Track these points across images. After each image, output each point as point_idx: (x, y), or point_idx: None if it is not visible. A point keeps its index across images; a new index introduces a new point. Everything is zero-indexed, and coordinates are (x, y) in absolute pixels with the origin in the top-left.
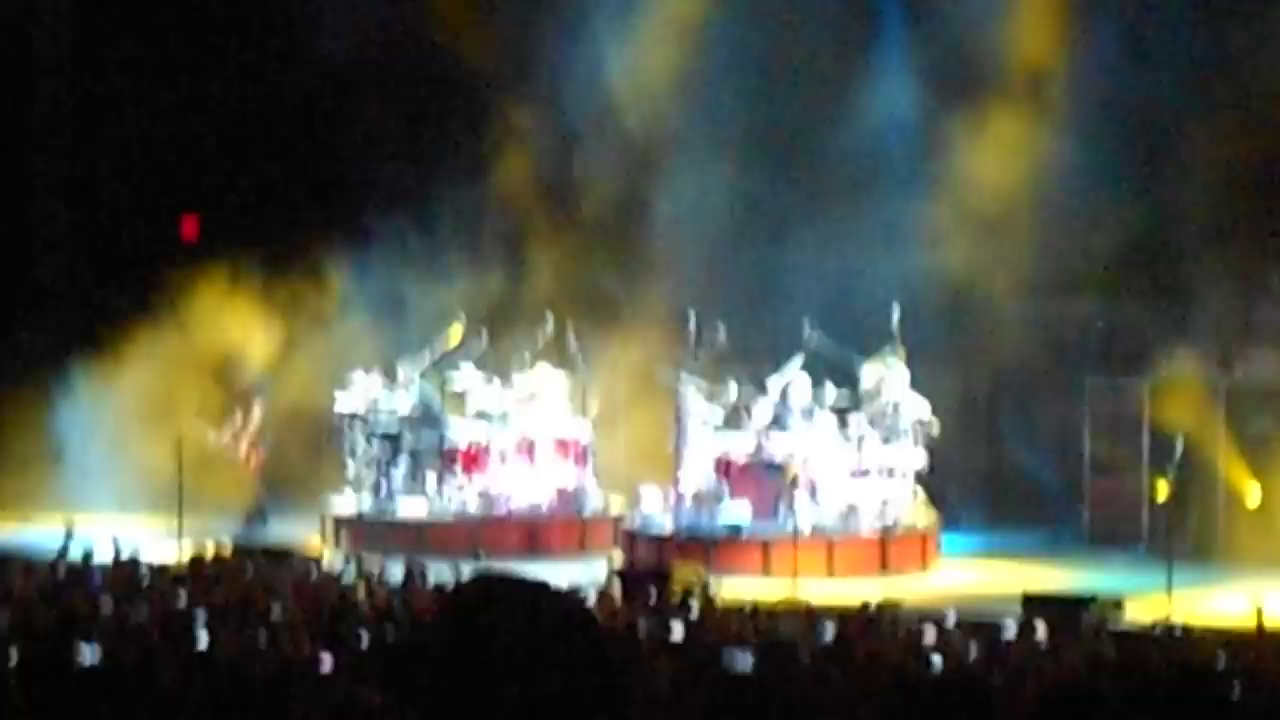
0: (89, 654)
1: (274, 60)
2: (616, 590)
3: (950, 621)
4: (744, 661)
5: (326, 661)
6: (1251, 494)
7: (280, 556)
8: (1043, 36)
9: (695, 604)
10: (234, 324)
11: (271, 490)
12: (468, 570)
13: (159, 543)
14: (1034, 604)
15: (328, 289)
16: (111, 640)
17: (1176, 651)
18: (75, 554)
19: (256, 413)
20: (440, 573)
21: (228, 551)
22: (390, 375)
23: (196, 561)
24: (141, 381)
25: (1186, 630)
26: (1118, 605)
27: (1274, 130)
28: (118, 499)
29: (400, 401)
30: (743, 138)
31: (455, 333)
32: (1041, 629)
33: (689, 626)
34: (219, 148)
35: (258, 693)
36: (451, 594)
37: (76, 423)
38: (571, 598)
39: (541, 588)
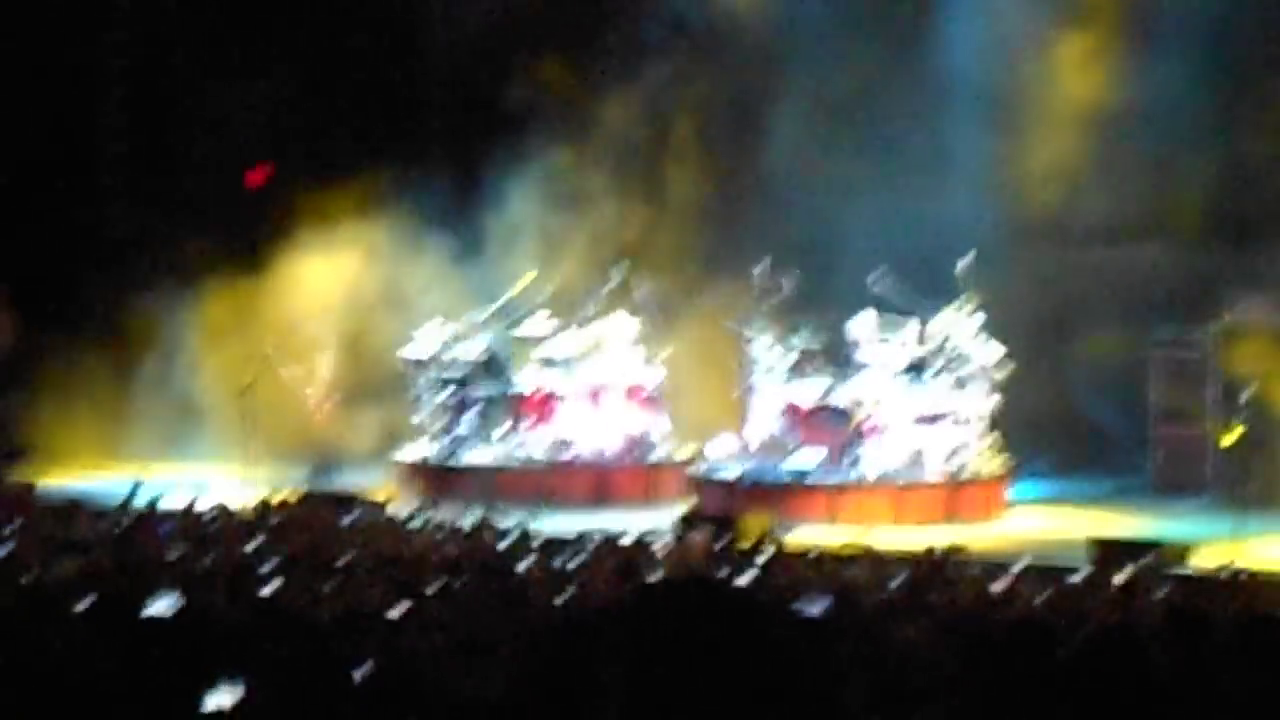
0: (162, 605)
1: None
2: (700, 537)
3: (1018, 567)
4: (818, 606)
5: (396, 609)
6: None
7: (349, 503)
8: None
9: (766, 551)
10: (312, 271)
11: (341, 438)
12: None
13: (228, 490)
14: (1100, 549)
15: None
16: (179, 587)
17: (1242, 596)
18: (142, 501)
19: (329, 359)
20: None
21: (296, 498)
22: (461, 322)
23: (264, 508)
24: (215, 330)
25: (1253, 575)
26: (1184, 551)
27: None
28: (190, 448)
29: (469, 348)
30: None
31: (526, 279)
32: (1109, 574)
33: (758, 573)
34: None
35: (326, 639)
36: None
37: (149, 373)
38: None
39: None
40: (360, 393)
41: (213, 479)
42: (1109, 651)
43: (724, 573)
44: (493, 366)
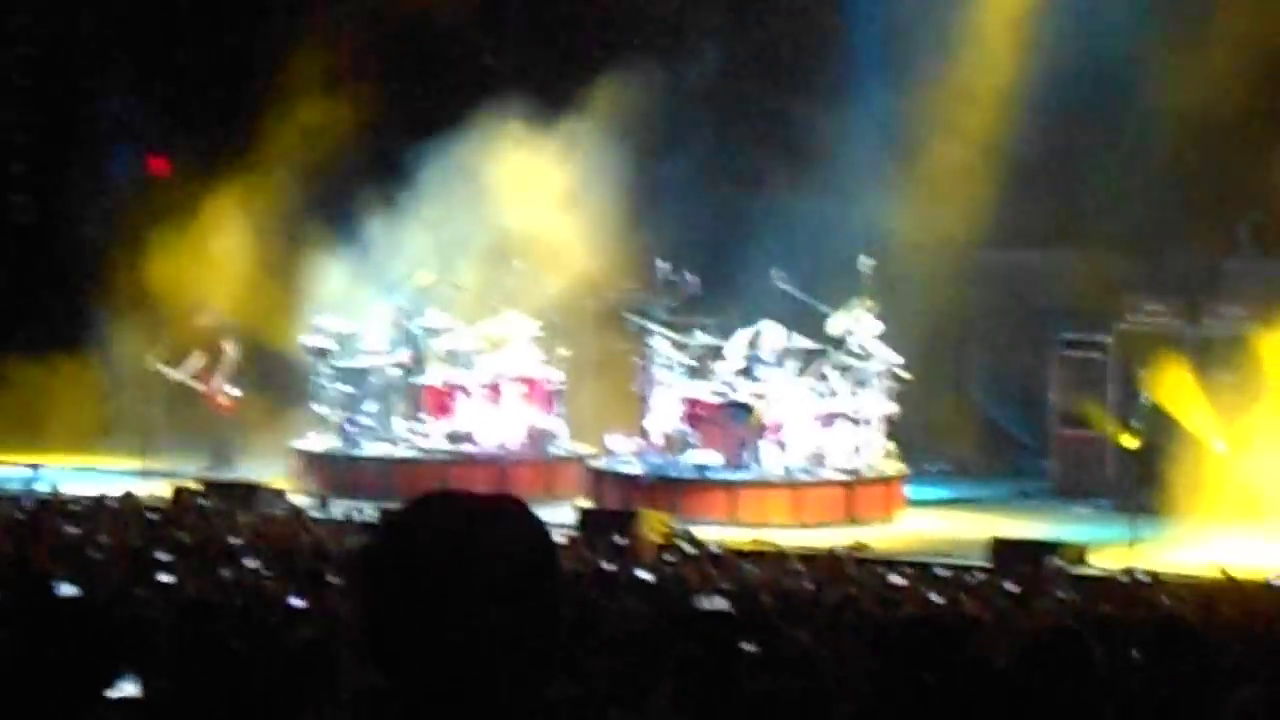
0: (64, 589)
1: None
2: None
3: (918, 566)
4: (716, 602)
5: (296, 600)
6: (1217, 447)
7: (246, 494)
8: None
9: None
10: (198, 260)
11: (239, 427)
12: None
13: (127, 481)
14: (1000, 550)
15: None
16: (77, 576)
17: (1141, 597)
18: (42, 490)
19: (228, 351)
20: None
21: (194, 488)
22: (360, 313)
23: (162, 499)
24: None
25: (1153, 576)
26: (1082, 552)
27: (1241, 77)
28: (86, 439)
29: (370, 339)
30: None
31: (425, 274)
32: (1008, 574)
33: (658, 569)
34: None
35: (229, 628)
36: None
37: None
38: (527, 518)
39: (493, 507)
40: (260, 382)
41: (110, 470)
42: (1013, 651)
43: (619, 566)
44: (393, 357)
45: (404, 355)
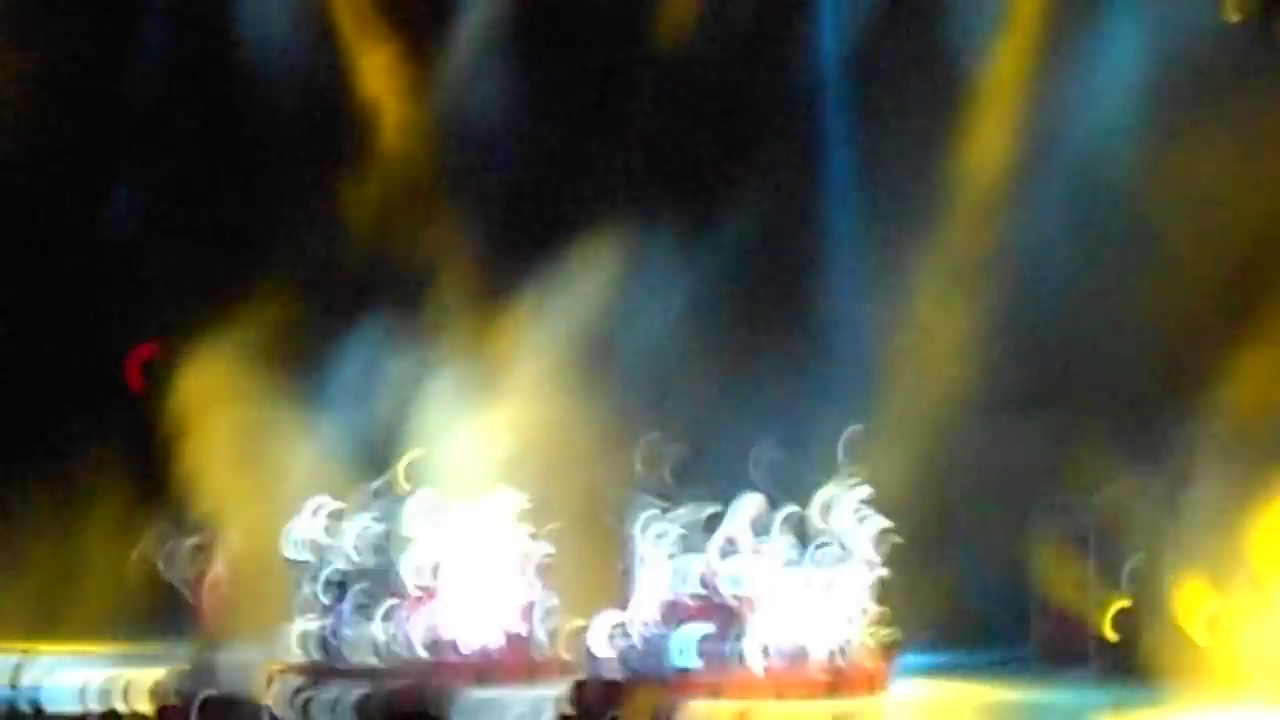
0: None
1: None
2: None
3: None
4: None
5: None
6: (1203, 618)
7: (228, 706)
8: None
9: None
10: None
11: (223, 633)
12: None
13: (105, 673)
14: None
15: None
16: None
17: None
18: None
19: (217, 556)
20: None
21: (174, 700)
22: (337, 514)
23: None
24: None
25: None
26: None
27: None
28: (64, 624)
29: (348, 541)
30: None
31: (405, 465)
32: None
33: None
34: None
35: None
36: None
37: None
38: None
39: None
40: (246, 580)
41: (92, 665)
42: None
43: None
44: (373, 561)
45: (382, 562)
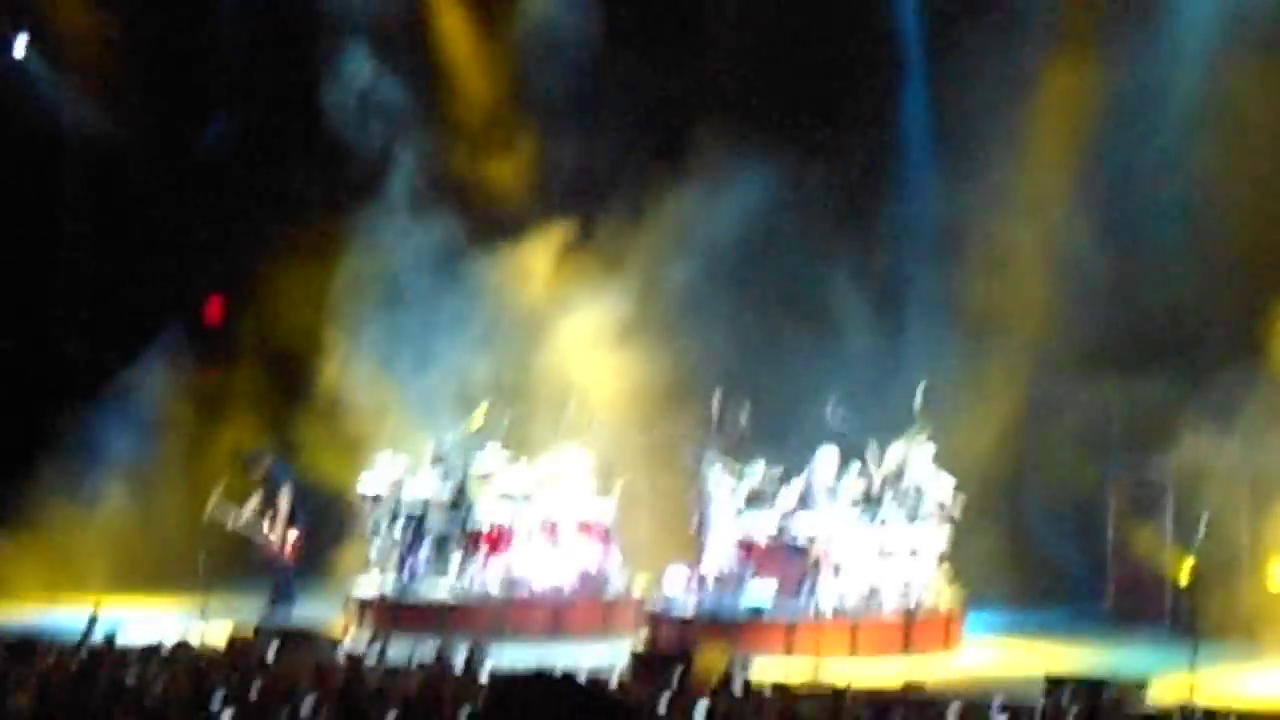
0: None
1: None
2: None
3: (976, 703)
4: None
5: None
6: (1275, 575)
7: (303, 639)
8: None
9: (726, 687)
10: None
11: (296, 572)
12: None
13: (184, 624)
14: (1056, 686)
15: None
16: None
17: None
18: (99, 636)
19: (284, 495)
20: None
21: (250, 634)
22: (415, 456)
23: (219, 644)
24: (169, 465)
25: (1209, 714)
26: (1140, 686)
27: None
28: (145, 579)
29: (424, 483)
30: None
31: (480, 413)
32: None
33: (714, 707)
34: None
35: None
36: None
37: (104, 504)
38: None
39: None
40: (316, 526)
41: (168, 612)
42: None
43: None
44: (448, 500)
45: (457, 497)
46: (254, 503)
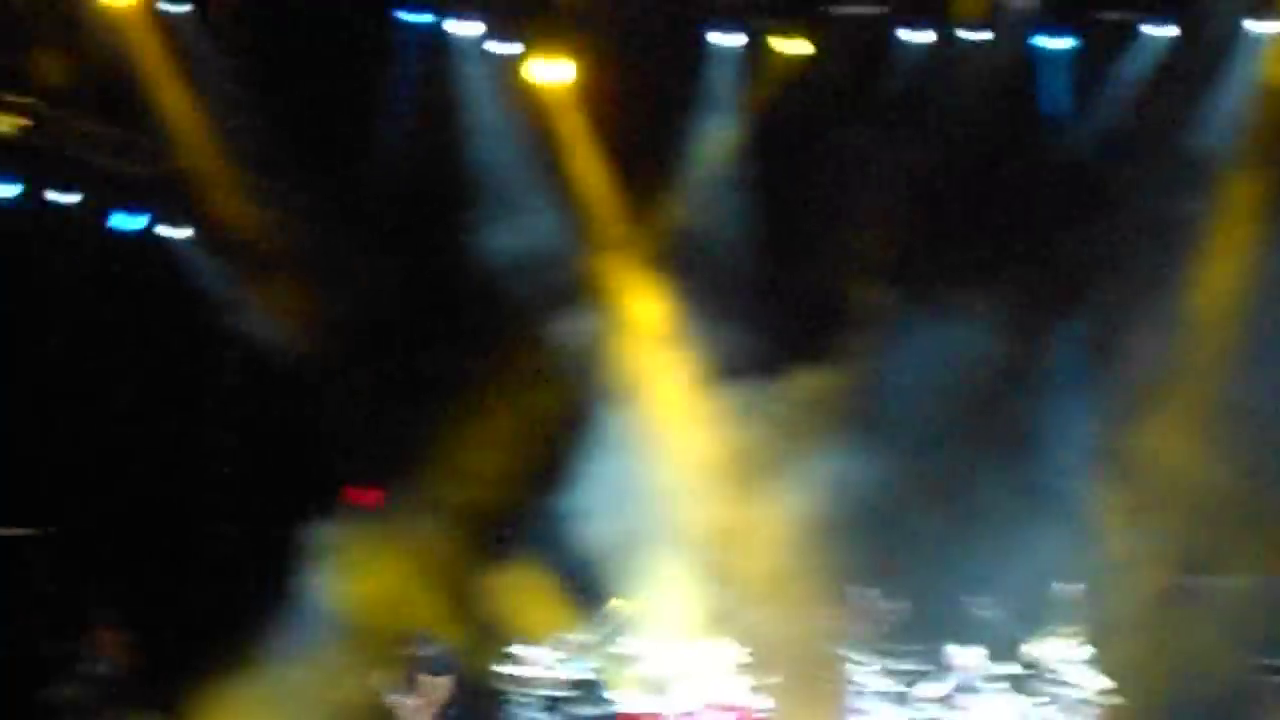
0: None
1: None
2: None
3: None
4: None
5: None
6: None
7: None
8: None
9: None
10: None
11: None
12: None
13: None
14: None
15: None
16: None
17: None
18: None
19: (444, 684)
20: None
21: None
22: (558, 643)
23: None
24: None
25: None
26: None
27: None
28: None
29: (565, 669)
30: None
31: (621, 601)
32: None
33: None
34: None
35: None
36: None
37: None
38: None
39: None
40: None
41: None
42: None
43: None
44: (590, 688)
45: (599, 681)
46: (419, 686)
